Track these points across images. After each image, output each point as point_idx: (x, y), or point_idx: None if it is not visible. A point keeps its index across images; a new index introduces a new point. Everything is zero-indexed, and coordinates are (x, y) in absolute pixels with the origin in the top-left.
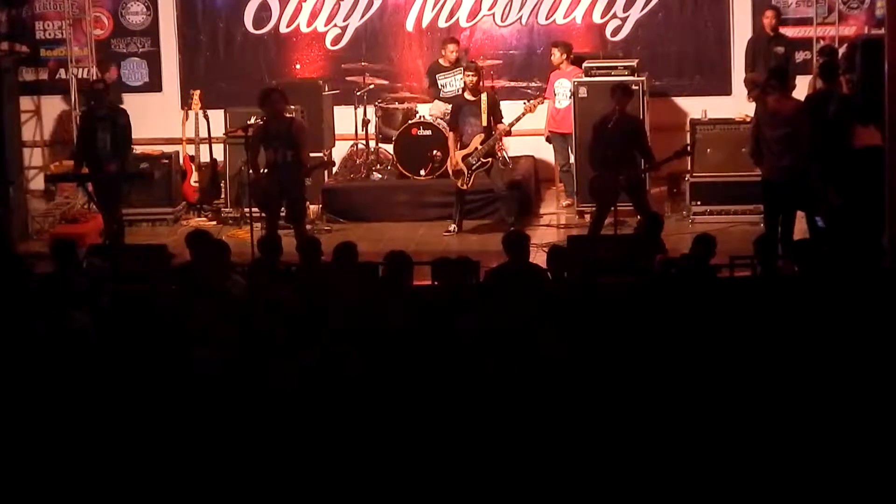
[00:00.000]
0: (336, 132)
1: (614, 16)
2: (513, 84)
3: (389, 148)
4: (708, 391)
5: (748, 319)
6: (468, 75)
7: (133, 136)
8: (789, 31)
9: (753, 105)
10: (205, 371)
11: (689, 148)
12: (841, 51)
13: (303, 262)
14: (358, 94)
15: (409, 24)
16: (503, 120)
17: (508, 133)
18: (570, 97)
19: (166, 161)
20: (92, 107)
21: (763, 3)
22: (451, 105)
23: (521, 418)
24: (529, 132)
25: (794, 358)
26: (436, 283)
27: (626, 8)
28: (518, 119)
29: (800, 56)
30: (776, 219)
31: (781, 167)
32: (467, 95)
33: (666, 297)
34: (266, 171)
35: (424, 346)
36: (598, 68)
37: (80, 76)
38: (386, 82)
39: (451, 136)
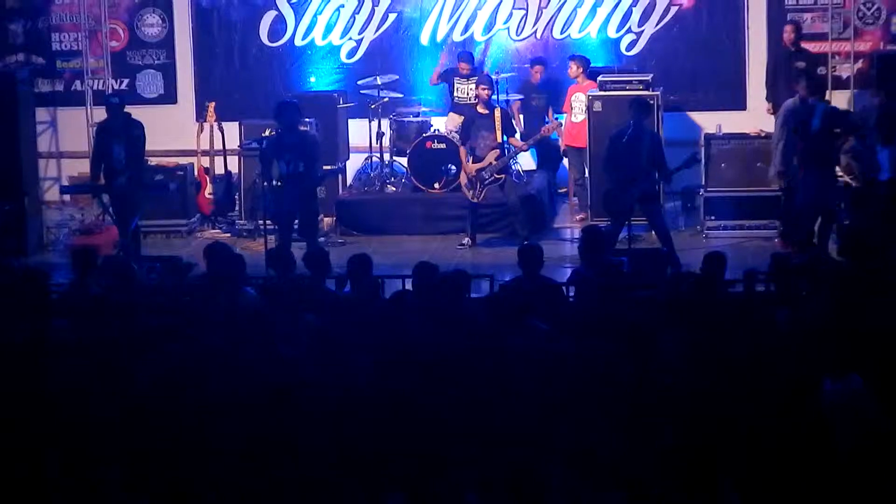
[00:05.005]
0: (350, 145)
1: (629, 30)
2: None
3: (404, 161)
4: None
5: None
6: (482, 88)
7: (148, 148)
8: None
9: (771, 119)
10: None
11: (697, 156)
12: (856, 66)
13: (310, 274)
14: (372, 107)
15: (424, 38)
16: (516, 135)
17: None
18: (586, 111)
19: (181, 173)
20: (107, 119)
21: (779, 18)
22: (463, 117)
23: None
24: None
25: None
26: None
27: (641, 23)
28: (535, 140)
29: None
30: None
31: None
32: (480, 109)
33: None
34: (279, 183)
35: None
36: (613, 82)
37: (95, 88)
38: (400, 95)
39: (462, 149)
